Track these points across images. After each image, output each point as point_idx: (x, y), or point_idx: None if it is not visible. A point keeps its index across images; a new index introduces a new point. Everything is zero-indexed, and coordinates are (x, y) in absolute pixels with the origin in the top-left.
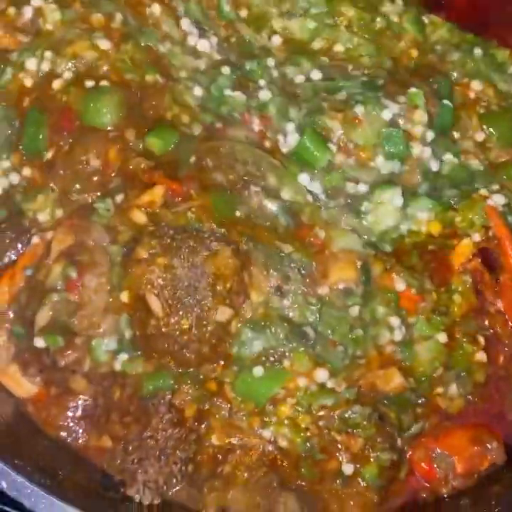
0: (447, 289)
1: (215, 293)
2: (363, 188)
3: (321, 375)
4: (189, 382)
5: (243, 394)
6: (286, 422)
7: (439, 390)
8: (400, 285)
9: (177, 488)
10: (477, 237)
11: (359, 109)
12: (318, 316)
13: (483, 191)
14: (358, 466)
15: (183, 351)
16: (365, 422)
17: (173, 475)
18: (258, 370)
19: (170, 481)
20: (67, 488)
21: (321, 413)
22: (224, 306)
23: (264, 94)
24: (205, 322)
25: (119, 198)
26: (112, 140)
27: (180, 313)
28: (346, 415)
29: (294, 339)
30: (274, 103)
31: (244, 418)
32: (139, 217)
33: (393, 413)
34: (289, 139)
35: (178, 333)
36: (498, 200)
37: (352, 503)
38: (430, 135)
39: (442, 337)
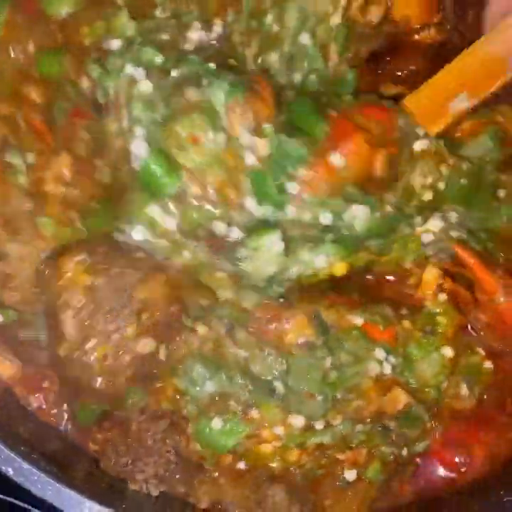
0: (424, 312)
1: (139, 322)
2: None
3: (297, 422)
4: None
5: (202, 443)
6: (267, 459)
7: (450, 392)
8: (358, 320)
9: (177, 475)
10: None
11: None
12: (286, 368)
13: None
14: (362, 470)
15: (96, 380)
16: (365, 437)
17: (170, 462)
18: (216, 423)
19: (169, 468)
20: (73, 476)
21: (316, 450)
22: (147, 337)
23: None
24: (121, 352)
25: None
26: None
27: (96, 339)
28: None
29: (259, 393)
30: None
31: None
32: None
33: (397, 428)
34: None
35: (92, 359)
36: (435, 224)
37: (350, 495)
38: None
39: (447, 351)
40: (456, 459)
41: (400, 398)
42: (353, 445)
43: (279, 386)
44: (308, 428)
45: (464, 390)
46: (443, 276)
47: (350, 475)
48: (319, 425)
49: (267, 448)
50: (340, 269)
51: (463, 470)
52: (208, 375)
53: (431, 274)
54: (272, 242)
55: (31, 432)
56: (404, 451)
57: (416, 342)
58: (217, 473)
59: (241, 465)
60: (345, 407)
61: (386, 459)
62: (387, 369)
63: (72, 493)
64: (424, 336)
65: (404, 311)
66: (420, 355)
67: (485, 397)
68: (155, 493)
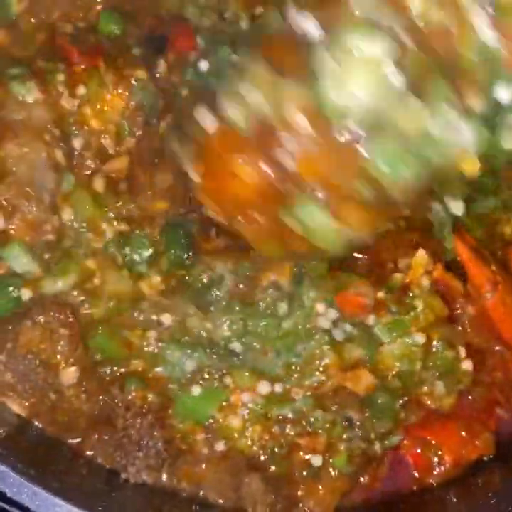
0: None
1: (46, 365)
2: None
3: (262, 387)
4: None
5: (182, 415)
6: (235, 434)
7: (425, 389)
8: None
9: (167, 465)
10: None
11: None
12: (242, 327)
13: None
14: (327, 456)
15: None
16: (327, 425)
17: (161, 453)
18: (195, 390)
19: (160, 458)
20: (51, 478)
21: (276, 424)
22: (67, 367)
23: None
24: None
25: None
26: None
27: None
28: (306, 421)
29: (225, 358)
30: None
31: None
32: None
33: (366, 418)
34: None
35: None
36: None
37: (321, 487)
38: None
39: (418, 338)
40: (427, 460)
41: (363, 377)
42: (312, 429)
43: (237, 346)
44: (273, 396)
45: (439, 388)
46: (433, 262)
47: (317, 460)
48: (278, 388)
49: (235, 421)
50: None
51: (434, 471)
52: (186, 356)
53: (420, 258)
54: None
55: (8, 434)
56: (377, 446)
57: (383, 323)
58: (198, 459)
59: (219, 446)
60: (304, 380)
61: (353, 452)
62: (338, 335)
63: (49, 496)
64: (394, 319)
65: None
66: (386, 336)
67: (469, 397)
68: (151, 481)
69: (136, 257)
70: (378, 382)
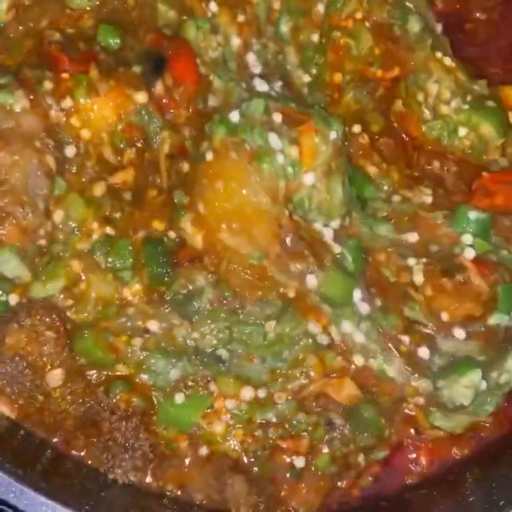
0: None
1: (32, 368)
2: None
3: (246, 393)
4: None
5: (166, 423)
6: (219, 438)
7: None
8: None
9: (153, 466)
10: None
11: None
12: (228, 335)
13: None
14: (310, 457)
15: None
16: (310, 428)
17: (147, 454)
18: (179, 398)
19: (148, 459)
20: (39, 478)
21: (259, 428)
22: (53, 369)
23: None
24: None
25: None
26: None
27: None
28: (288, 424)
29: (210, 365)
30: None
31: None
32: None
33: (349, 427)
34: None
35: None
36: None
37: (304, 486)
38: None
39: None
40: (408, 465)
41: (346, 386)
42: (294, 432)
43: (223, 353)
44: (256, 402)
45: (437, 417)
46: None
47: (299, 462)
48: (262, 393)
49: (219, 427)
50: None
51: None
52: (171, 365)
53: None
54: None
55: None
56: (361, 458)
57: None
58: (183, 462)
59: (203, 451)
60: (288, 383)
61: (335, 453)
62: (324, 340)
63: (37, 495)
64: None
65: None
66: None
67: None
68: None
69: (118, 263)
70: (363, 396)
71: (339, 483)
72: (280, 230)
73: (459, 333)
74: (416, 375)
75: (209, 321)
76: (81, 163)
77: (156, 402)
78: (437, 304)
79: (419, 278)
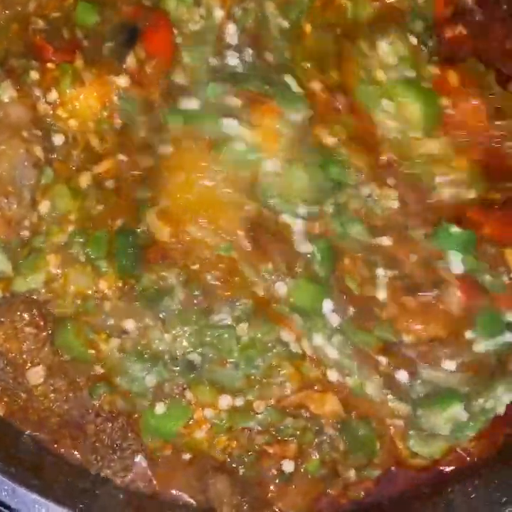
0: None
1: (13, 365)
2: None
3: (223, 401)
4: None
5: (150, 432)
6: (203, 444)
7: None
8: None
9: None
10: None
11: None
12: (198, 336)
13: None
14: (299, 462)
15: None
16: (298, 432)
17: (135, 452)
18: (159, 408)
19: (136, 457)
20: (31, 476)
21: (243, 434)
22: (33, 366)
23: None
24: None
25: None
26: None
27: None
28: (275, 430)
29: (184, 371)
30: None
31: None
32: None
33: (342, 439)
34: None
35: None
36: None
37: (293, 489)
38: None
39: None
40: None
41: (328, 401)
42: (281, 438)
43: (195, 357)
44: (234, 410)
45: (415, 443)
46: None
47: (288, 466)
48: (239, 401)
49: (200, 435)
50: None
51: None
52: (146, 370)
53: None
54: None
55: None
56: (352, 473)
57: None
58: (167, 465)
59: (186, 456)
60: (265, 391)
61: (324, 458)
62: (296, 348)
63: (28, 493)
64: None
65: None
66: None
67: None
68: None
69: (94, 254)
70: (346, 416)
71: (329, 490)
72: (246, 221)
73: (449, 364)
74: (393, 397)
75: (180, 323)
76: (67, 152)
77: (138, 409)
78: (399, 324)
79: (382, 294)
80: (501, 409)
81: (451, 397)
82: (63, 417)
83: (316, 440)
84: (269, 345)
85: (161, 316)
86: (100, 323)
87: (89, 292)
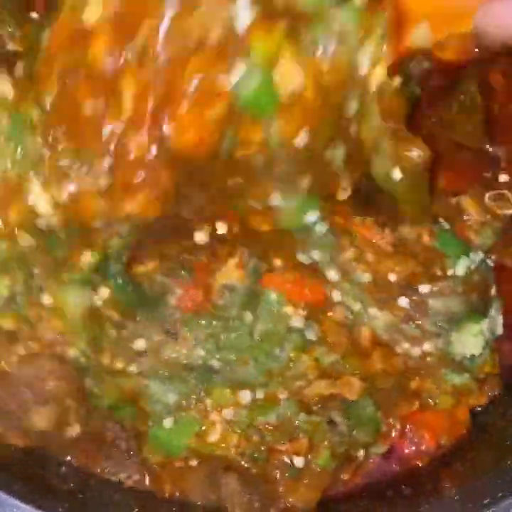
0: None
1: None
2: None
3: (244, 397)
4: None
5: (158, 448)
6: (213, 447)
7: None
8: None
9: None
10: None
11: None
12: (215, 344)
13: None
14: (310, 457)
15: None
16: (311, 428)
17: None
18: (167, 422)
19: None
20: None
21: (256, 433)
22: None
23: None
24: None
25: None
26: None
27: None
28: (288, 426)
29: (203, 379)
30: None
31: None
32: None
33: (346, 425)
34: None
35: None
36: None
37: (303, 483)
38: None
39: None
40: (411, 448)
41: (353, 382)
42: (295, 434)
43: (214, 363)
44: (255, 404)
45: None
46: None
47: (299, 462)
48: (260, 394)
49: (212, 437)
50: None
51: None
52: (168, 389)
53: None
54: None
55: None
56: (361, 453)
57: None
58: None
59: (193, 462)
60: (286, 383)
61: (336, 451)
62: (311, 335)
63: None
64: None
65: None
66: None
67: None
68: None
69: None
70: (367, 386)
71: (342, 476)
72: None
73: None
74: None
75: (188, 331)
76: None
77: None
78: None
79: None
80: (500, 329)
81: (469, 316)
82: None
83: (328, 435)
84: (283, 333)
85: (168, 327)
86: (115, 350)
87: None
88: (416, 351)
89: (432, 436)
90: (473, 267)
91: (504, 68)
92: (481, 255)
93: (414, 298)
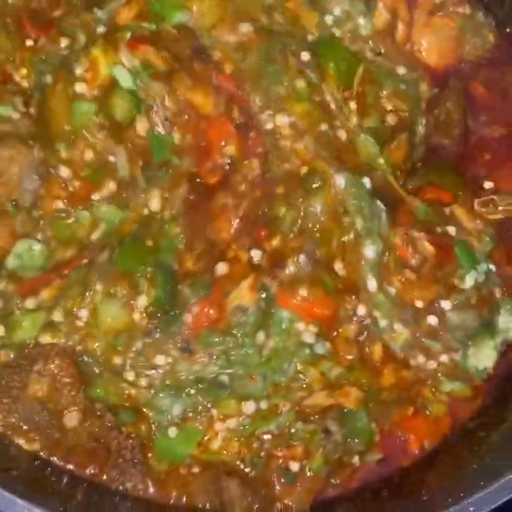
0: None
1: (52, 412)
2: None
3: (248, 408)
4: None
5: (161, 455)
6: (215, 453)
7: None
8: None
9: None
10: None
11: None
12: (226, 359)
13: None
14: (304, 462)
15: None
16: (307, 436)
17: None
18: (172, 431)
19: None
20: (16, 481)
21: (256, 441)
22: (69, 412)
23: None
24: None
25: None
26: None
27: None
28: (286, 434)
29: (212, 392)
30: None
31: None
32: None
33: (341, 433)
34: None
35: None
36: None
37: (298, 487)
38: None
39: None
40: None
41: (352, 392)
42: (291, 441)
43: (224, 378)
44: (258, 415)
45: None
46: None
47: (294, 466)
48: (264, 404)
49: (216, 445)
50: None
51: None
52: (175, 401)
53: None
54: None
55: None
56: (356, 459)
57: None
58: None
59: (195, 469)
60: (290, 395)
61: (329, 458)
62: (320, 349)
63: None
64: None
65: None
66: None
67: None
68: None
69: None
70: (366, 396)
71: (332, 481)
72: None
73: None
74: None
75: (202, 348)
76: None
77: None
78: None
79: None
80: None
81: (484, 331)
82: (89, 445)
83: (322, 443)
84: (293, 349)
85: (183, 345)
86: (130, 362)
87: (121, 327)
88: (431, 364)
89: (416, 439)
90: (480, 279)
91: (485, 79)
92: (484, 267)
93: (440, 315)
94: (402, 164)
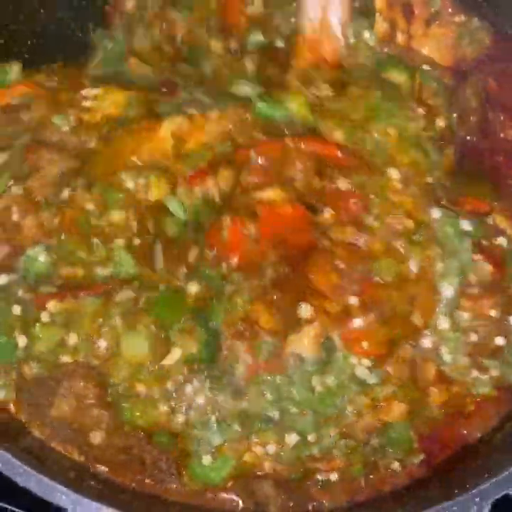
0: None
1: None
2: None
3: (291, 439)
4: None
5: (194, 477)
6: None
7: None
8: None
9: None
10: None
11: None
12: (277, 394)
13: None
14: (343, 470)
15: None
16: (349, 451)
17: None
18: (206, 459)
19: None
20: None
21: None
22: (91, 433)
23: None
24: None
25: None
26: None
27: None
28: (327, 451)
29: (255, 426)
30: None
31: None
32: None
33: (379, 444)
34: None
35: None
36: None
37: (336, 487)
38: None
39: None
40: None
41: (395, 408)
42: (331, 456)
43: (273, 413)
44: (301, 445)
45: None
46: None
47: (333, 476)
48: (311, 438)
49: (248, 458)
50: None
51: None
52: (215, 434)
53: None
54: None
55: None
56: (396, 465)
57: None
58: None
59: (230, 484)
60: (339, 423)
61: (367, 462)
62: (373, 379)
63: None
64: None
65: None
66: None
67: None
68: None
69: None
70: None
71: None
72: None
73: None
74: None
75: (254, 387)
76: None
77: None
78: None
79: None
80: None
81: None
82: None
83: (363, 453)
84: (347, 383)
85: (235, 389)
86: (162, 394)
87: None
88: (485, 378)
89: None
90: None
91: (497, 73)
92: None
93: (508, 334)
94: (451, 175)
